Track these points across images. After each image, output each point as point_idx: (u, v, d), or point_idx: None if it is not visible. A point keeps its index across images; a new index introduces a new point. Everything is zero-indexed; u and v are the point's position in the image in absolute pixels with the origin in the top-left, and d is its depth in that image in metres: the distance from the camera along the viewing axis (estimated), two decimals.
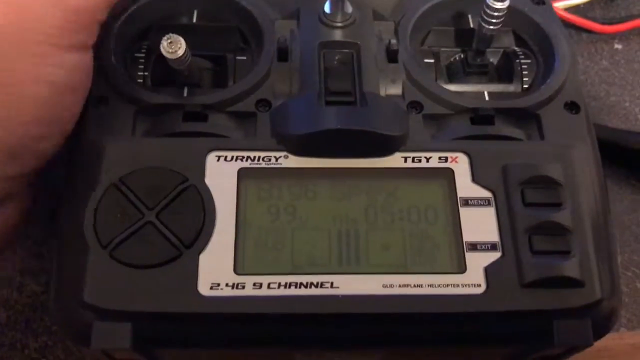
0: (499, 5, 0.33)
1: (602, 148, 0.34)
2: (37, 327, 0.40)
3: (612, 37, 0.54)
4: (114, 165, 0.30)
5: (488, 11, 0.33)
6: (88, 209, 0.29)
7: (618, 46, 0.54)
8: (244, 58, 0.36)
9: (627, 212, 0.45)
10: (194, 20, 0.37)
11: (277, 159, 0.31)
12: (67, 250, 0.29)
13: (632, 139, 0.47)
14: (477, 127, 0.33)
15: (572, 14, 0.53)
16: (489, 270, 0.29)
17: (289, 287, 0.28)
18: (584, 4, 0.55)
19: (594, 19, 0.54)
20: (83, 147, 0.31)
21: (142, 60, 0.35)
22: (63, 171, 0.32)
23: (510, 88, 0.36)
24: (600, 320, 0.30)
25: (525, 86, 0.36)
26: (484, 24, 0.34)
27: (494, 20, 0.34)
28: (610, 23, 0.54)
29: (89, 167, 0.30)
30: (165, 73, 0.34)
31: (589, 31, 0.54)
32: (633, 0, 0.56)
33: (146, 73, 0.35)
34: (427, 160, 0.32)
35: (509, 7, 0.33)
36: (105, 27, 0.34)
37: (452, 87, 0.36)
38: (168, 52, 0.31)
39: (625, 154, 0.46)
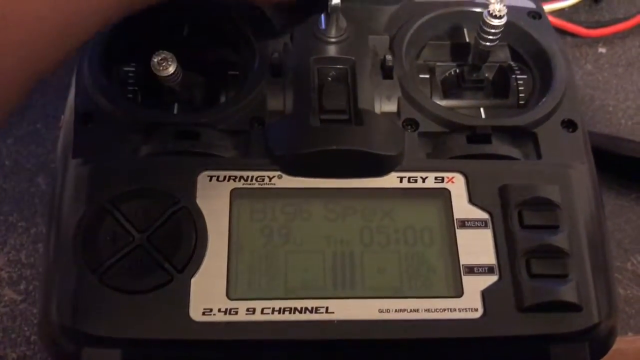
0: (496, 22, 0.32)
1: None
2: (16, 337, 0.39)
3: (597, 41, 0.54)
4: (102, 186, 0.29)
5: (485, 27, 0.33)
6: (77, 232, 0.28)
7: (602, 50, 0.54)
8: (236, 73, 0.35)
9: (610, 217, 0.45)
10: (185, 34, 0.36)
11: (270, 179, 0.31)
12: (55, 274, 0.29)
13: (615, 144, 0.47)
14: (473, 145, 0.32)
15: (557, 18, 0.53)
16: (486, 294, 0.29)
17: (283, 312, 0.28)
18: (569, 7, 0.55)
19: (578, 23, 0.54)
20: (70, 167, 0.30)
21: (132, 75, 0.34)
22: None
23: (506, 103, 0.36)
24: (597, 343, 0.29)
25: (522, 102, 0.35)
26: (480, 40, 0.34)
27: (490, 37, 0.33)
28: (595, 27, 0.54)
29: (76, 188, 0.30)
30: (156, 88, 0.33)
31: (573, 35, 0.54)
32: (617, 4, 0.56)
33: (136, 88, 0.34)
34: (423, 180, 0.31)
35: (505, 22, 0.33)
36: (93, 41, 0.34)
37: (448, 103, 0.35)
38: (158, 69, 0.31)
39: (609, 159, 0.46)
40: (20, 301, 0.40)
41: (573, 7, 0.55)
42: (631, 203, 0.46)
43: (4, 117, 0.26)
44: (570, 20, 0.54)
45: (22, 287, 0.40)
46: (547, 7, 0.53)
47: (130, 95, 0.34)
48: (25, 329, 0.39)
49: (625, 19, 0.54)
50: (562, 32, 0.53)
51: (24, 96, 0.25)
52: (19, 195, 0.44)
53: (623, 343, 0.40)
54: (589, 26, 0.54)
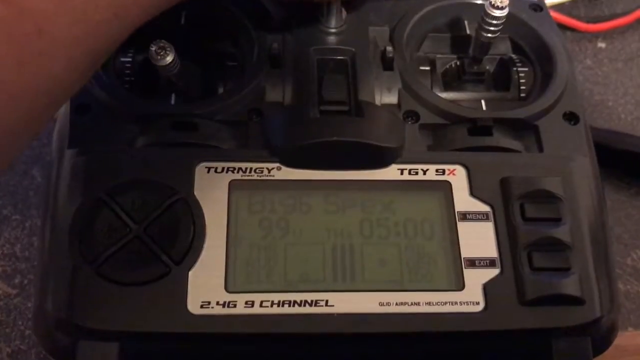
0: (498, 13, 0.32)
1: None
2: (10, 332, 0.38)
3: (596, 35, 0.54)
4: (99, 177, 0.29)
5: (486, 19, 0.32)
6: (73, 224, 0.28)
7: (601, 45, 0.54)
8: (235, 64, 0.35)
9: (610, 212, 0.45)
10: (182, 23, 0.36)
11: (269, 171, 0.30)
12: (50, 266, 0.28)
13: (615, 139, 0.47)
14: (474, 138, 0.32)
15: (557, 12, 0.53)
16: (487, 288, 0.28)
17: (282, 305, 0.28)
18: (569, 2, 0.55)
19: (578, 18, 0.54)
20: (66, 158, 0.30)
21: (129, 65, 0.34)
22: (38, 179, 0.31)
23: (507, 96, 0.35)
24: (599, 337, 0.29)
25: (523, 95, 0.35)
26: (481, 32, 0.33)
27: (492, 29, 0.33)
28: (594, 22, 0.54)
29: (72, 179, 0.29)
30: (153, 79, 0.33)
31: (573, 29, 0.54)
32: None
33: (133, 78, 0.33)
34: (424, 172, 0.31)
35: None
36: None
37: (448, 95, 0.35)
38: (156, 58, 0.30)
39: (608, 154, 0.45)
40: (14, 295, 0.39)
41: (572, 2, 0.55)
42: (631, 198, 0.46)
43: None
44: (570, 14, 0.54)
45: (16, 281, 0.40)
46: (547, 2, 0.53)
47: (127, 86, 0.33)
48: (20, 323, 0.39)
49: (625, 13, 0.54)
50: (562, 26, 0.53)
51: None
52: (13, 188, 0.43)
53: (623, 338, 0.40)
54: (588, 21, 0.54)
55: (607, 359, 0.35)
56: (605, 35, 0.54)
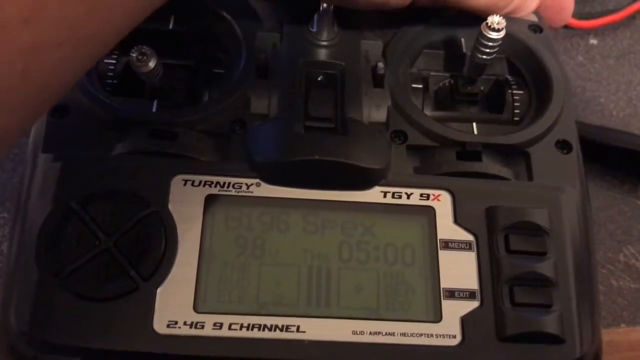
0: (494, 35, 0.31)
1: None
2: None
3: (588, 32, 0.53)
4: (71, 185, 0.28)
5: (482, 40, 0.31)
6: (41, 232, 0.27)
7: (593, 41, 0.53)
8: (222, 71, 0.33)
9: (603, 208, 0.45)
10: (171, 26, 0.34)
11: (248, 187, 0.29)
12: (15, 276, 0.27)
13: (607, 136, 0.46)
14: (463, 162, 0.31)
15: None
16: (465, 321, 0.27)
17: (252, 329, 0.27)
18: None
19: None
20: (39, 162, 0.29)
21: (112, 68, 0.33)
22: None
23: (501, 118, 0.34)
24: None
25: (516, 118, 0.34)
26: (477, 53, 0.32)
27: (487, 50, 0.32)
28: (586, 18, 0.53)
29: (44, 185, 0.28)
30: (136, 83, 0.32)
31: (564, 26, 0.52)
32: None
33: (115, 82, 0.32)
34: (408, 196, 0.30)
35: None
36: None
37: (440, 115, 0.34)
38: (137, 65, 0.29)
39: (601, 151, 0.45)
40: None
41: None
42: (623, 194, 0.45)
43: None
44: None
45: None
46: None
47: (108, 89, 0.32)
48: None
49: (616, 10, 0.53)
50: None
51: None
52: (1, 187, 0.42)
53: (616, 335, 0.40)
54: (580, 17, 0.53)
55: None
56: (597, 31, 0.53)
